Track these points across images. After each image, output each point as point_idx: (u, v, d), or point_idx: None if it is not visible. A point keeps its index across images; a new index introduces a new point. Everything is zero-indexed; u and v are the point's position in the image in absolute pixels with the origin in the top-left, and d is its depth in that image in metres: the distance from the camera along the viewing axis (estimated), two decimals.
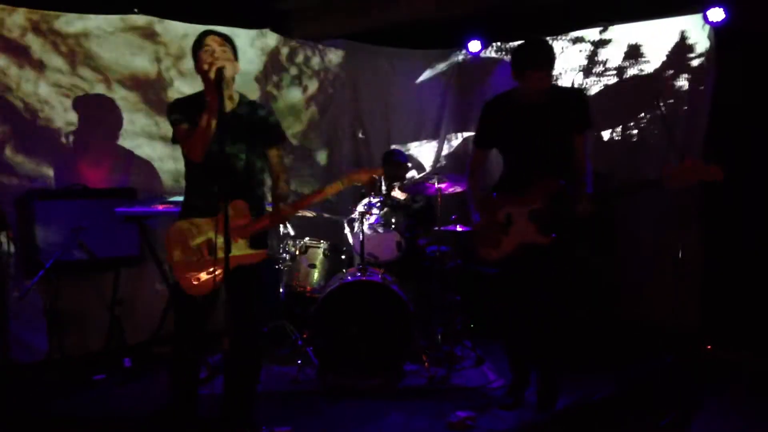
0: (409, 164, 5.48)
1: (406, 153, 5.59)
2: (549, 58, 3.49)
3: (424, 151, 6.52)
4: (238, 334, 3.19)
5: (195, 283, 3.15)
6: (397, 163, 5.39)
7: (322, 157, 6.16)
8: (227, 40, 3.21)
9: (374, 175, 3.43)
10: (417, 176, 4.84)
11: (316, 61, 6.07)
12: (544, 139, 3.56)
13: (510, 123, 3.64)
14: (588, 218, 3.40)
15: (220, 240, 2.95)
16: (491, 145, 3.86)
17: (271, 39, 5.74)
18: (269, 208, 3.43)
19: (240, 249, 3.15)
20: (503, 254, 3.67)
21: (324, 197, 3.39)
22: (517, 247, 3.60)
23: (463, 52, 6.40)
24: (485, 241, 3.73)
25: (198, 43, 3.17)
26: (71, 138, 4.78)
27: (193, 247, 3.17)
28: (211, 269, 3.13)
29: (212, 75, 2.97)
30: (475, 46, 6.16)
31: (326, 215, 5.14)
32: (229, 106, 3.23)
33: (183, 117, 3.19)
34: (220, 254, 3.00)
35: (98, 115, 4.92)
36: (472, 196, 3.89)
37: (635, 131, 5.31)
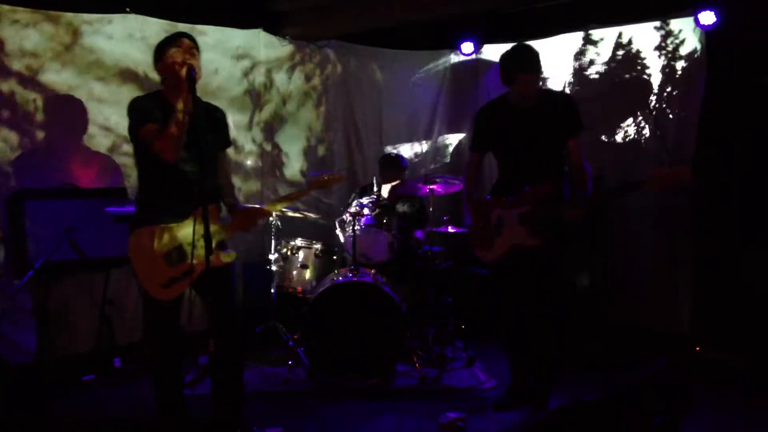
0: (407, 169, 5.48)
1: (399, 154, 5.59)
2: (536, 61, 3.57)
3: (417, 152, 6.53)
4: (221, 335, 3.18)
5: (164, 288, 3.16)
6: (402, 168, 5.40)
7: (313, 157, 6.15)
8: (195, 43, 3.21)
9: (339, 182, 3.53)
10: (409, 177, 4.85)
11: (308, 62, 6.06)
12: (536, 143, 3.61)
13: (502, 128, 3.70)
14: (576, 223, 3.44)
15: (194, 243, 3.00)
16: (485, 149, 3.92)
17: (264, 40, 5.73)
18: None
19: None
20: (497, 256, 3.72)
21: (290, 201, 3.56)
22: (510, 249, 3.65)
23: (456, 53, 6.41)
24: (479, 242, 3.79)
25: (168, 42, 3.16)
26: (61, 137, 4.76)
27: (163, 252, 3.16)
28: (183, 273, 3.14)
29: (183, 74, 2.99)
30: (467, 47, 6.17)
31: (313, 216, 5.14)
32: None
33: (149, 116, 3.11)
34: (197, 256, 3.03)
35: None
36: (467, 198, 3.94)
37: (627, 134, 5.33)
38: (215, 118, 3.39)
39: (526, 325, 3.76)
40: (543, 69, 3.62)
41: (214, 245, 2.98)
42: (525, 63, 3.54)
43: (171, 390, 3.37)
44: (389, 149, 6.33)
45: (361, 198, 4.83)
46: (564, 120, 3.60)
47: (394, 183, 5.31)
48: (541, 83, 3.69)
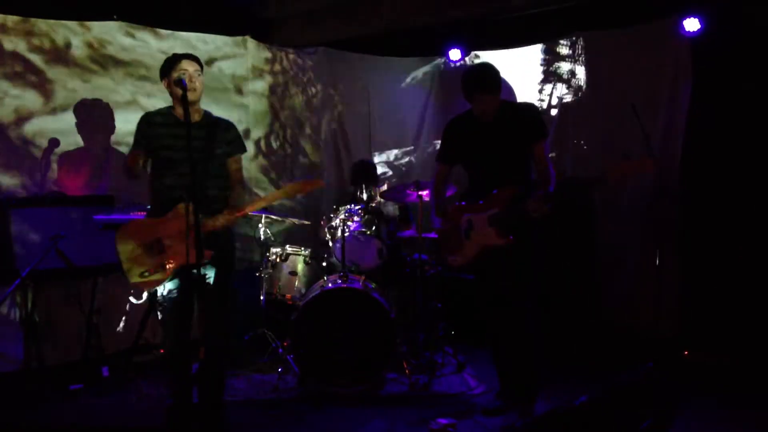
0: (379, 173, 5.50)
1: (389, 160, 5.62)
2: (493, 82, 3.69)
3: (406, 159, 6.54)
4: (209, 343, 3.34)
5: (141, 277, 3.36)
6: (375, 177, 5.41)
7: (303, 163, 6.15)
8: (199, 63, 3.49)
9: (315, 188, 3.67)
10: (397, 183, 4.86)
11: (296, 69, 6.06)
12: (499, 152, 3.76)
13: (468, 140, 3.86)
14: (544, 218, 3.52)
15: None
16: (453, 161, 4.04)
17: (252, 47, 5.74)
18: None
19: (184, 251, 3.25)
20: (468, 259, 3.82)
21: (265, 204, 3.74)
22: (480, 250, 3.74)
23: (444, 60, 6.43)
24: (449, 248, 3.90)
25: (172, 64, 3.41)
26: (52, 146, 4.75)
27: (145, 244, 3.35)
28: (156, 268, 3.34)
29: (179, 92, 3.22)
30: (455, 54, 6.20)
31: (297, 222, 5.15)
32: (196, 117, 3.47)
33: (140, 141, 3.46)
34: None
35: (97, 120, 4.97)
36: (435, 206, 4.07)
37: (613, 139, 5.36)
38: (223, 129, 3.57)
39: (504, 327, 3.84)
40: (500, 88, 3.72)
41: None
42: (484, 83, 3.68)
43: (182, 386, 3.46)
44: (378, 156, 6.34)
45: (349, 205, 4.82)
46: (526, 129, 3.74)
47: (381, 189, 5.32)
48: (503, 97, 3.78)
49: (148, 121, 3.48)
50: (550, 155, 3.79)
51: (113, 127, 5.00)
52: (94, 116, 4.92)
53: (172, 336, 3.46)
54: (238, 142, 3.68)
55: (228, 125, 3.65)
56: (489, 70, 3.75)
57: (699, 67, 4.90)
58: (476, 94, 3.69)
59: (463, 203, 3.88)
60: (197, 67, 3.45)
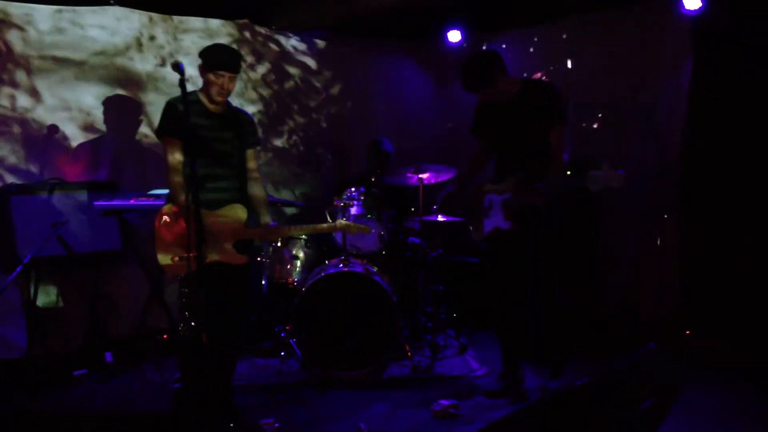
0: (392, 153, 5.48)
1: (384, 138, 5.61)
2: (480, 77, 3.71)
3: (406, 142, 6.51)
4: (218, 329, 3.26)
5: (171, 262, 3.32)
6: (385, 153, 5.39)
7: (303, 149, 6.13)
8: (238, 69, 3.48)
9: (360, 232, 3.74)
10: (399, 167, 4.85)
11: (295, 52, 6.02)
12: (517, 136, 3.76)
13: (489, 119, 3.88)
14: (537, 208, 3.60)
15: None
16: (480, 137, 4.05)
17: (250, 30, 5.70)
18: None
19: (225, 250, 3.37)
20: (482, 236, 3.93)
21: (314, 232, 3.94)
22: (492, 231, 3.83)
23: (444, 42, 6.39)
24: (473, 221, 4.02)
25: (214, 66, 3.36)
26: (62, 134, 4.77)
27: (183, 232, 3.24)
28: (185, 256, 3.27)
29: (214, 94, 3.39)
30: (455, 36, 6.16)
31: (297, 206, 5.15)
32: (219, 109, 3.49)
33: (171, 126, 3.40)
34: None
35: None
36: (462, 175, 4.14)
37: (615, 120, 5.34)
38: (241, 121, 3.61)
39: (509, 310, 3.92)
40: (491, 79, 3.71)
41: (232, 245, 3.39)
42: (470, 83, 3.75)
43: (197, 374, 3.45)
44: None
45: (349, 189, 4.81)
46: (542, 112, 3.68)
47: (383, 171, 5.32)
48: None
49: (176, 107, 3.40)
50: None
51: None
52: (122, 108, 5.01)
53: (196, 321, 3.41)
54: (256, 136, 3.74)
55: (248, 117, 3.70)
56: (470, 68, 3.76)
57: (700, 46, 4.86)
58: (472, 92, 3.78)
59: (486, 181, 3.96)
60: (234, 74, 3.43)
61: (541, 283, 3.85)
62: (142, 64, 5.10)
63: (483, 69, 3.71)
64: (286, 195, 5.90)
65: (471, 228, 4.06)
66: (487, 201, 3.87)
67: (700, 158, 4.86)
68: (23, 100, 4.64)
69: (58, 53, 4.76)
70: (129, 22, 5.03)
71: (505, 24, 6.03)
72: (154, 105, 5.06)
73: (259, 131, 3.82)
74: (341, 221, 3.84)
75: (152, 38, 5.14)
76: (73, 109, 4.82)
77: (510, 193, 3.68)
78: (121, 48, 5.00)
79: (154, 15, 5.14)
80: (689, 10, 4.78)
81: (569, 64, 5.63)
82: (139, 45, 5.09)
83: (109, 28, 4.95)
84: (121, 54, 5.00)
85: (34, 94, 4.69)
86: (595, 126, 5.50)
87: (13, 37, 4.57)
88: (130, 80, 5.06)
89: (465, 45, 6.28)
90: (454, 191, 4.10)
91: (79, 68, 4.83)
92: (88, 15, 4.85)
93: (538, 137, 3.69)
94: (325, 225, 3.73)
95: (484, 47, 6.23)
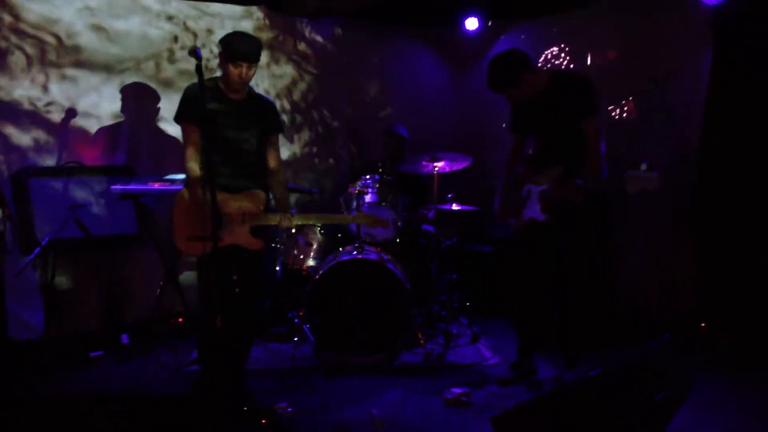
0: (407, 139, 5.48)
1: (400, 125, 5.59)
2: (507, 77, 3.73)
3: (422, 130, 6.50)
4: (234, 313, 3.27)
5: (188, 240, 3.35)
6: (399, 138, 5.39)
7: (315, 136, 6.13)
8: (257, 59, 3.49)
9: (381, 226, 3.88)
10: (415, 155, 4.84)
11: (309, 39, 6.01)
12: (552, 128, 3.77)
13: (526, 111, 3.90)
14: (580, 205, 3.56)
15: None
16: (519, 130, 4.06)
17: (262, 16, 5.69)
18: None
19: (241, 234, 3.44)
20: (520, 225, 3.91)
21: (332, 222, 4.12)
22: (528, 221, 3.82)
23: (461, 29, 6.35)
24: (509, 210, 3.98)
25: (234, 55, 3.39)
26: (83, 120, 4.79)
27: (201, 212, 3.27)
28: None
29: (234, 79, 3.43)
30: (472, 23, 6.12)
31: (311, 194, 5.16)
32: (239, 96, 3.54)
33: (190, 112, 3.45)
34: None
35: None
36: (502, 180, 4.11)
37: (634, 112, 5.29)
38: (262, 108, 3.64)
39: (533, 301, 3.93)
40: (518, 79, 3.74)
41: (248, 229, 3.46)
42: (496, 84, 3.78)
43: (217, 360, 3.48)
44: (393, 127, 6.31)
45: (364, 176, 4.81)
46: (574, 103, 3.67)
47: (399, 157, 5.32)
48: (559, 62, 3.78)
49: (195, 93, 3.39)
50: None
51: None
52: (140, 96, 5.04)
53: (212, 304, 3.42)
54: (278, 122, 3.76)
55: (270, 104, 3.72)
56: (496, 69, 3.76)
57: (720, 38, 4.79)
58: (499, 93, 3.81)
59: (525, 171, 3.96)
60: (252, 64, 3.44)
61: (567, 276, 3.85)
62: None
63: (509, 70, 3.72)
64: (301, 181, 5.91)
65: (499, 214, 4.03)
66: (526, 191, 3.88)
67: (718, 153, 4.80)
68: (40, 88, 4.68)
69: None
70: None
71: (523, 12, 5.98)
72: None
73: (280, 117, 3.80)
74: (360, 213, 3.86)
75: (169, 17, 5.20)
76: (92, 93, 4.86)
77: (548, 185, 3.69)
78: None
79: None
80: (710, 1, 4.71)
81: (588, 55, 5.57)
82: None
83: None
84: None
85: (54, 78, 4.73)
86: (615, 116, 5.45)
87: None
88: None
89: (482, 33, 6.24)
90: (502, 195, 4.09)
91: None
92: None
93: (573, 129, 3.69)
94: (343, 216, 3.77)
95: (501, 36, 6.20)
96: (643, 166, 3.23)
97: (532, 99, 3.78)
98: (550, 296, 3.94)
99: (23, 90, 4.60)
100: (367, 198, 4.66)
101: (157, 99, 5.09)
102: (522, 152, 4.12)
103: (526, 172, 3.94)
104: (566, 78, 3.87)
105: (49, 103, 4.70)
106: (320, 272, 4.31)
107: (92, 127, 4.86)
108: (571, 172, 3.60)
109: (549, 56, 5.79)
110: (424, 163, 4.76)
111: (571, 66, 5.64)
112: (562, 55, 5.73)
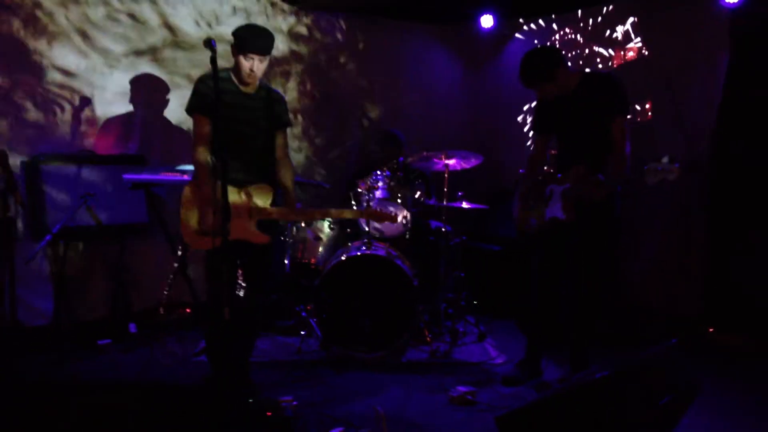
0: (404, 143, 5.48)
1: (417, 129, 5.59)
2: (541, 72, 3.70)
3: (434, 126, 6.48)
4: (238, 306, 3.29)
5: (196, 235, 3.40)
6: (398, 141, 5.39)
7: (327, 133, 6.13)
8: (268, 52, 3.51)
9: (388, 221, 3.84)
10: (426, 153, 4.82)
11: (323, 33, 6.00)
12: (579, 128, 3.76)
13: (552, 111, 3.87)
14: (600, 202, 3.58)
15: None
16: (544, 131, 4.04)
17: (278, 10, 5.69)
18: None
19: (248, 228, 3.43)
20: (541, 226, 3.87)
21: (340, 217, 4.00)
22: (550, 220, 3.80)
23: (476, 26, 6.33)
24: (529, 210, 3.95)
25: (245, 48, 3.40)
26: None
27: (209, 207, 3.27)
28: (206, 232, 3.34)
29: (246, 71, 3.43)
30: (487, 21, 6.10)
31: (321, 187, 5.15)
32: (250, 88, 3.54)
33: (201, 104, 3.45)
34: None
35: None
36: (523, 179, 4.08)
37: (645, 111, 5.27)
38: (272, 101, 3.63)
39: (547, 298, 3.93)
40: (552, 74, 3.70)
41: (255, 224, 3.45)
42: (529, 78, 3.74)
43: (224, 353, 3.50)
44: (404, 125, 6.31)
45: (374, 172, 4.80)
46: (604, 103, 3.67)
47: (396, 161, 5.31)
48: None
49: (207, 85, 3.42)
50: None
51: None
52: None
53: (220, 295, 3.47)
54: (287, 116, 3.74)
55: (279, 97, 3.70)
56: (530, 63, 3.73)
57: (737, 41, 4.76)
58: (531, 88, 3.78)
59: (548, 172, 3.96)
60: (263, 56, 3.45)
61: (578, 271, 3.82)
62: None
63: (543, 65, 3.70)
64: (313, 175, 5.92)
65: (519, 219, 3.99)
66: (548, 191, 3.86)
67: (731, 154, 4.78)
68: (56, 73, 4.71)
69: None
70: None
71: (538, 10, 5.96)
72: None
73: (288, 111, 3.79)
74: (368, 209, 3.84)
75: None
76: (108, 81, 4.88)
77: (569, 185, 3.68)
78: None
79: None
80: (728, 3, 4.69)
81: (600, 52, 5.55)
82: None
83: None
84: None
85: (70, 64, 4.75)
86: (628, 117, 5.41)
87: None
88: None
89: (497, 30, 6.22)
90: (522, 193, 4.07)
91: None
92: None
93: (600, 129, 3.68)
94: (351, 211, 3.74)
95: (516, 35, 6.18)
96: (665, 159, 3.26)
97: (560, 98, 3.77)
98: (560, 291, 3.91)
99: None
100: (377, 194, 4.66)
101: (167, 89, 5.12)
102: (545, 154, 4.11)
103: (549, 173, 3.94)
104: (597, 78, 3.88)
105: (62, 87, 4.72)
106: (328, 267, 4.32)
107: (105, 115, 4.89)
108: (593, 170, 3.59)
109: (565, 54, 5.76)
110: (435, 160, 4.75)
111: (585, 64, 5.62)
112: (578, 52, 5.70)
